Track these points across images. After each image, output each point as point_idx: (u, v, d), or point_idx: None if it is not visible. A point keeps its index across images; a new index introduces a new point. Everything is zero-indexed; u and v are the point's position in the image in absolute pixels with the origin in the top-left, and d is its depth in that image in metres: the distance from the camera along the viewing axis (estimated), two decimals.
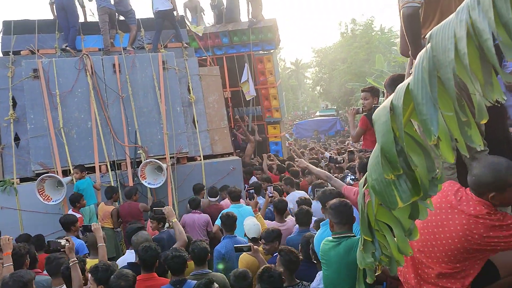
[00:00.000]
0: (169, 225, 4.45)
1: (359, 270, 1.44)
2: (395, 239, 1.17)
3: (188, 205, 5.54)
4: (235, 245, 3.67)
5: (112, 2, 7.62)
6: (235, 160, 7.27)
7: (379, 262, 1.26)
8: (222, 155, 7.49)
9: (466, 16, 0.90)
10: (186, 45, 8.06)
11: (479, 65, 0.94)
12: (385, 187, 1.12)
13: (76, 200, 5.40)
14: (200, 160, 7.08)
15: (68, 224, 4.62)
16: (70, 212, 5.34)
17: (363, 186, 1.23)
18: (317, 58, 36.24)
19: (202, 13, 10.47)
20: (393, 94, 1.19)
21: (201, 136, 7.26)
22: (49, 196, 5.72)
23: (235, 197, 5.13)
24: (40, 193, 5.68)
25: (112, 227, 5.75)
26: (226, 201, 5.66)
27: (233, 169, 7.04)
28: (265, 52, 10.19)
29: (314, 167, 3.83)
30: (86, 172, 6.20)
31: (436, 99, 0.99)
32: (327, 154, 9.03)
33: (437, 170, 1.06)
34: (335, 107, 30.12)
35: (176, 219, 4.13)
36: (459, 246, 1.69)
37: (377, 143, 1.15)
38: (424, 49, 1.03)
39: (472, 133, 0.96)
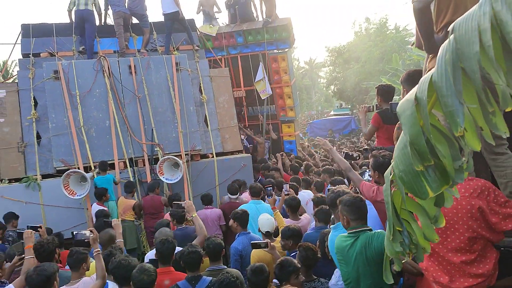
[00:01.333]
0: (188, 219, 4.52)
1: (386, 258, 1.47)
2: (420, 226, 1.21)
3: (201, 201, 5.71)
4: (252, 242, 3.70)
5: (127, 6, 7.87)
6: (246, 157, 7.62)
7: (409, 250, 1.29)
8: (232, 153, 7.77)
9: (490, 8, 0.93)
10: (197, 48, 8.36)
11: (502, 55, 0.97)
12: (414, 178, 1.15)
13: (102, 194, 5.80)
14: (213, 157, 7.34)
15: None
16: (95, 205, 5.69)
17: (389, 177, 1.26)
18: (331, 57, 36.02)
19: (216, 13, 10.53)
20: (415, 87, 1.22)
21: (213, 135, 7.58)
22: (73, 191, 5.98)
23: (255, 193, 5.14)
24: (65, 188, 5.94)
25: (133, 219, 6.02)
26: (246, 194, 5.72)
27: (244, 166, 7.34)
28: (279, 51, 10.20)
29: (337, 153, 3.78)
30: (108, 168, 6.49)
31: (460, 91, 1.02)
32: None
33: (463, 158, 1.09)
34: (350, 106, 29.91)
35: (196, 214, 4.20)
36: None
37: (403, 135, 1.18)
38: (447, 41, 1.06)
39: (497, 121, 0.99)
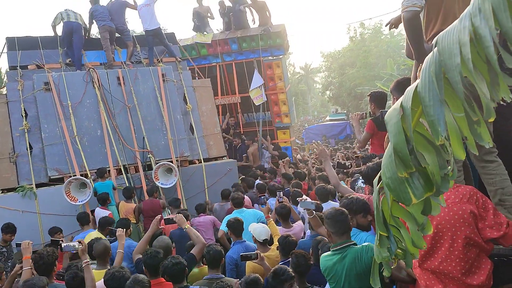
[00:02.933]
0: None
1: (374, 264, 1.48)
2: (409, 233, 1.22)
3: (195, 210, 5.96)
4: (241, 254, 3.61)
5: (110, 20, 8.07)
6: (231, 162, 8.19)
7: (395, 256, 1.31)
8: (216, 158, 8.18)
9: (469, 23, 0.95)
10: (180, 59, 8.67)
11: (485, 67, 0.99)
12: (399, 185, 1.17)
13: (105, 198, 6.03)
14: (199, 163, 7.69)
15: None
16: (98, 210, 5.93)
17: (377, 184, 1.28)
18: (326, 62, 36.25)
19: (209, 19, 10.61)
20: (402, 96, 1.24)
21: (198, 142, 7.96)
22: (75, 197, 6.12)
23: (238, 204, 5.15)
24: (67, 194, 6.07)
25: (135, 222, 6.17)
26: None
27: (230, 170, 7.80)
28: (274, 57, 10.27)
29: (330, 166, 3.80)
30: (107, 175, 6.71)
31: (443, 100, 1.04)
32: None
33: (449, 167, 1.11)
34: (345, 112, 30.05)
35: (189, 225, 4.19)
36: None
37: (389, 143, 1.20)
38: (431, 53, 1.08)
39: (482, 131, 1.01)
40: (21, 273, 3.51)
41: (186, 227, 4.07)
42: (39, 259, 3.42)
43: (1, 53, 7.67)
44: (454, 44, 0.99)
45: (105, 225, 4.98)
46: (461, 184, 2.35)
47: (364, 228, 3.02)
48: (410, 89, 1.15)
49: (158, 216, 4.41)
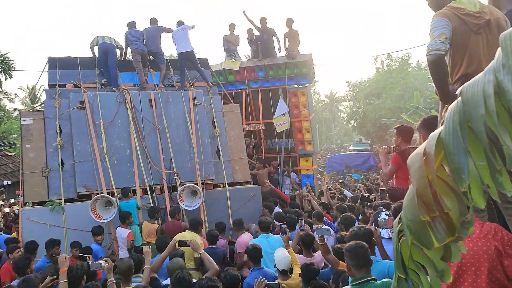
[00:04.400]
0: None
1: None
2: (428, 278, 1.23)
3: (215, 227, 5.99)
4: (268, 283, 3.63)
5: (144, 43, 8.39)
6: (255, 187, 8.15)
7: None
8: (241, 183, 8.20)
9: (493, 77, 1.00)
10: (211, 84, 8.82)
11: (508, 119, 1.02)
12: (421, 228, 1.19)
13: (126, 217, 6.10)
14: (224, 187, 7.77)
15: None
16: (119, 228, 6.04)
17: (397, 226, 1.30)
18: (351, 92, 36.28)
19: (237, 47, 10.92)
20: (426, 141, 1.28)
21: (224, 166, 7.97)
22: (100, 215, 6.22)
23: (264, 228, 5.22)
24: (93, 211, 6.19)
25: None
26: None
27: (254, 196, 7.77)
28: (299, 86, 10.41)
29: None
30: (131, 194, 6.81)
31: (467, 149, 1.08)
32: (347, 193, 8.93)
33: (468, 214, 1.13)
34: (369, 142, 29.75)
35: (203, 251, 4.21)
36: None
37: (411, 185, 1.23)
38: (455, 102, 1.12)
39: (503, 180, 1.02)
40: (51, 285, 3.65)
41: (201, 252, 4.09)
42: (69, 272, 3.59)
43: (42, 71, 8.08)
44: (479, 96, 1.03)
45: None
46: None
47: None
48: (433, 136, 1.19)
49: (176, 239, 4.44)
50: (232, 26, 10.90)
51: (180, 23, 8.80)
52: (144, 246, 4.33)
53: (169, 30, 8.73)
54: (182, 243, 4.29)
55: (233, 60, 10.57)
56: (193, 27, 8.77)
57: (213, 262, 4.06)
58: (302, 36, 10.53)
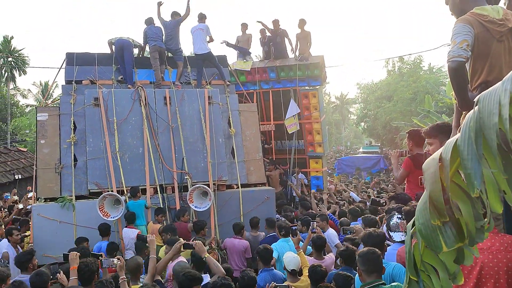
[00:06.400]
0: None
1: None
2: (439, 281, 1.25)
3: (232, 228, 5.90)
4: (277, 285, 3.64)
5: (163, 41, 8.36)
6: (269, 190, 7.89)
7: None
8: (255, 185, 7.96)
9: (510, 86, 1.02)
10: (228, 83, 8.68)
11: None
12: (431, 232, 1.22)
13: (131, 218, 6.09)
14: (237, 188, 7.56)
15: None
16: (126, 229, 6.03)
17: (411, 229, 1.33)
18: (362, 94, 36.08)
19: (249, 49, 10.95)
20: (442, 147, 1.31)
21: (238, 166, 7.78)
22: (108, 213, 6.22)
23: (285, 233, 5.18)
24: (100, 209, 6.18)
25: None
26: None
27: (267, 199, 7.53)
28: (311, 87, 10.41)
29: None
30: (140, 194, 6.76)
31: (481, 156, 1.10)
32: (353, 195, 8.92)
33: (485, 219, 1.15)
34: (379, 144, 29.57)
35: (208, 255, 4.13)
36: None
37: (425, 190, 1.26)
38: (472, 110, 1.15)
39: None
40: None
41: (206, 256, 4.03)
42: (84, 266, 3.64)
43: (60, 68, 8.14)
44: (494, 104, 1.06)
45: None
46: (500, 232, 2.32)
47: None
48: (450, 142, 1.21)
49: (180, 242, 4.30)
50: (244, 26, 10.92)
51: (201, 17, 8.70)
52: (148, 235, 4.35)
53: (185, 16, 8.54)
54: (187, 245, 4.26)
55: (244, 60, 10.61)
56: (211, 37, 8.76)
57: (219, 266, 4.01)
58: (313, 37, 10.51)
